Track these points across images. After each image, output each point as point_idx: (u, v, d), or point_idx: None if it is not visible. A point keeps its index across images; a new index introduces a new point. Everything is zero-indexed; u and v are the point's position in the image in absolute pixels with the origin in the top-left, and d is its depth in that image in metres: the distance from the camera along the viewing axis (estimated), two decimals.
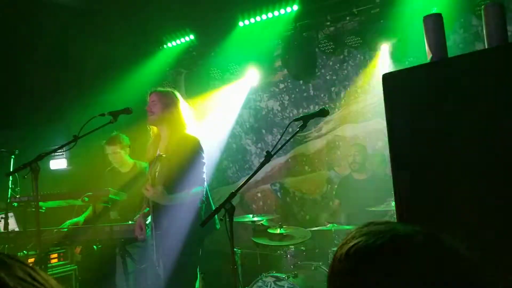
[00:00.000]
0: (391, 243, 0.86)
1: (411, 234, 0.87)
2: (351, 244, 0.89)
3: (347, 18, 5.04)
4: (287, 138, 2.73)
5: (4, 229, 4.37)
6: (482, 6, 1.78)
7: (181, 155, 3.29)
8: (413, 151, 1.72)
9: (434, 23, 1.72)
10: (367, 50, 5.01)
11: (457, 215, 1.68)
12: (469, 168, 1.59)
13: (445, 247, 0.86)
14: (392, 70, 4.86)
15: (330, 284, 0.90)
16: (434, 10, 4.28)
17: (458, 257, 0.86)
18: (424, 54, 1.89)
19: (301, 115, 2.70)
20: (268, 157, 2.55)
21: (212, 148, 6.42)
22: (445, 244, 0.87)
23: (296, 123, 2.67)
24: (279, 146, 2.64)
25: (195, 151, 3.35)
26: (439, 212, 1.73)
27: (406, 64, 4.71)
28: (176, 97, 3.51)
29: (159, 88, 3.58)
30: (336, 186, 4.99)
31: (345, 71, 5.33)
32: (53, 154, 3.19)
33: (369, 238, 0.88)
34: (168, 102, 3.44)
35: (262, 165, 2.59)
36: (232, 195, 2.51)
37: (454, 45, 4.44)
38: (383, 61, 4.85)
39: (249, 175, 2.63)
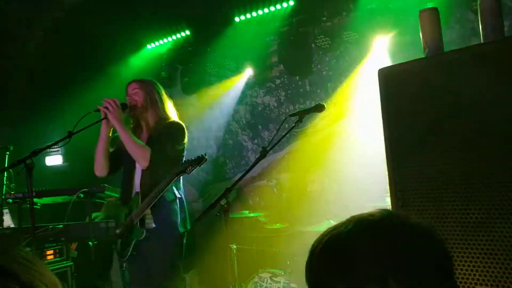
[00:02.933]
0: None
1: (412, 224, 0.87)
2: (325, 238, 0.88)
3: (343, 13, 5.02)
4: (283, 133, 2.73)
5: None
6: (478, 0, 1.77)
7: (162, 139, 3.12)
8: (409, 146, 1.71)
9: (429, 17, 1.71)
10: (363, 45, 4.99)
11: (454, 212, 1.68)
12: (467, 163, 1.58)
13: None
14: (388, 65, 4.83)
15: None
16: (430, 5, 4.27)
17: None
18: (420, 49, 1.88)
19: (297, 110, 2.69)
20: (264, 153, 2.54)
21: (209, 144, 6.42)
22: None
23: (292, 118, 2.67)
24: (275, 141, 2.64)
25: (178, 134, 3.19)
26: (436, 208, 1.73)
27: (403, 59, 4.69)
28: (158, 85, 3.34)
29: (142, 78, 3.38)
30: None
31: (342, 67, 5.31)
32: (48, 150, 3.17)
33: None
34: (151, 90, 3.25)
35: (258, 160, 2.59)
36: (228, 190, 2.51)
37: (450, 40, 4.43)
38: (379, 56, 4.84)
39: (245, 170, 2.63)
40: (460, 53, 1.64)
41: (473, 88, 1.54)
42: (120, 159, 3.31)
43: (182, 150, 3.23)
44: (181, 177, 3.27)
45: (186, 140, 3.24)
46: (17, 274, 0.61)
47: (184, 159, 3.25)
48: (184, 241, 3.24)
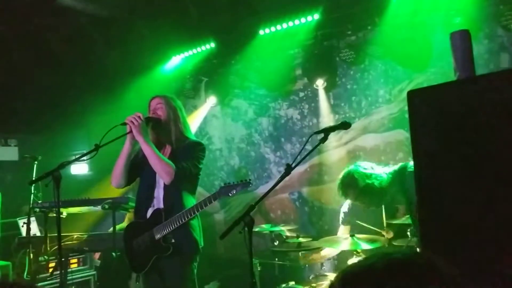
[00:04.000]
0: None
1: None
2: None
3: (368, 27, 4.99)
4: (307, 150, 2.71)
5: (27, 234, 4.46)
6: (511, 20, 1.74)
7: (186, 157, 3.16)
8: (438, 169, 1.68)
9: (461, 40, 1.68)
10: (389, 59, 4.95)
11: (483, 233, 1.64)
12: (499, 190, 1.54)
13: None
14: (413, 80, 4.78)
15: None
16: (458, 21, 4.22)
17: None
18: (447, 64, 1.86)
19: (323, 128, 2.67)
20: (288, 170, 2.53)
21: (231, 156, 6.44)
22: None
23: (317, 135, 2.64)
24: (300, 158, 2.62)
25: (200, 154, 3.23)
26: (465, 231, 1.69)
27: (428, 75, 4.65)
28: (179, 102, 3.40)
29: (164, 94, 3.41)
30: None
31: (366, 80, 5.28)
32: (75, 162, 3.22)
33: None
34: (174, 106, 3.30)
35: (282, 178, 2.57)
36: (251, 207, 2.49)
37: (479, 55, 4.36)
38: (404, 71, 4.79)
39: (268, 183, 2.63)
40: (493, 77, 1.60)
41: (506, 114, 1.50)
42: (136, 171, 3.35)
43: (200, 169, 3.28)
44: (196, 194, 3.31)
45: (202, 158, 3.29)
46: None
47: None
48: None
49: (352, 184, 3.47)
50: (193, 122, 6.25)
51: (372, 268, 0.86)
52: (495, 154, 1.51)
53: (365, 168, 3.48)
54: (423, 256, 0.88)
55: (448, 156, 1.61)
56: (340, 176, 3.58)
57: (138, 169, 3.33)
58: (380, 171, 3.47)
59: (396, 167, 3.46)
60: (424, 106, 1.64)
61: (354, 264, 0.91)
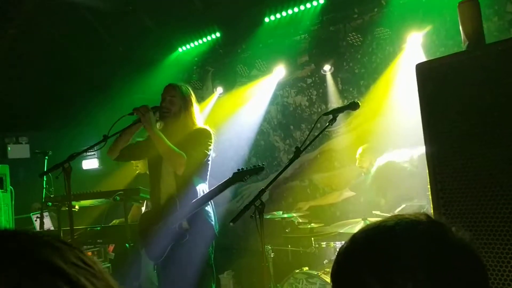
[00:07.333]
0: None
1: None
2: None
3: (375, 9, 4.93)
4: (316, 133, 2.69)
5: (40, 228, 4.50)
6: None
7: (194, 145, 3.16)
8: (450, 143, 1.65)
9: (470, 8, 1.64)
10: (396, 41, 4.88)
11: (495, 210, 1.60)
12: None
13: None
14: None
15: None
16: None
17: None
18: (456, 43, 1.82)
19: (331, 109, 2.64)
20: (298, 152, 2.51)
21: (240, 145, 6.42)
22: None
23: (325, 117, 2.62)
24: (308, 141, 2.60)
25: (207, 141, 3.22)
26: (477, 206, 1.66)
27: (438, 55, 4.57)
28: (191, 92, 3.38)
29: (178, 83, 3.39)
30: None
31: (374, 64, 5.22)
32: (84, 154, 3.23)
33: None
34: (186, 98, 3.29)
35: (291, 161, 2.56)
36: (262, 192, 2.49)
37: (488, 33, 4.25)
38: (413, 52, 4.71)
39: (278, 171, 2.61)
40: (503, 45, 1.56)
41: None
42: (135, 153, 3.41)
43: (209, 155, 3.27)
44: (207, 181, 3.31)
45: (212, 145, 3.28)
46: (69, 274, 0.60)
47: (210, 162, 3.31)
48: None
49: None
50: (201, 113, 6.23)
51: (380, 226, 0.86)
52: (505, 119, 1.47)
53: None
54: (434, 218, 0.86)
55: (463, 125, 1.57)
56: None
57: (137, 151, 3.37)
58: None
59: None
60: (432, 78, 1.60)
61: (366, 225, 0.92)
